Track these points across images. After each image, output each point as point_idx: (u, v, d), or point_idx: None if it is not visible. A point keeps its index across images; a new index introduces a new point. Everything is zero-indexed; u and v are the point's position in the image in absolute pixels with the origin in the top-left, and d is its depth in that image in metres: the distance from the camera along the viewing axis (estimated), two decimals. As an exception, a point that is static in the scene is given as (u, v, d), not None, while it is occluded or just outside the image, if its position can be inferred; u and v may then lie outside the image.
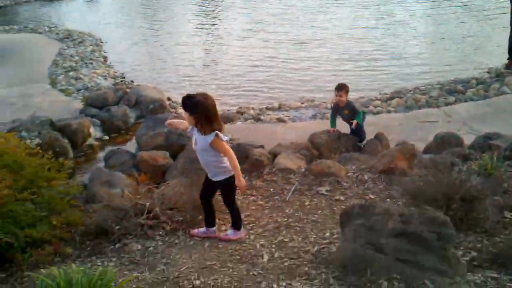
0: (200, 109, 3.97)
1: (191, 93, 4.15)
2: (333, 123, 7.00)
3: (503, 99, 8.44)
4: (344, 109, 6.84)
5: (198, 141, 4.15)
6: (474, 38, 12.89)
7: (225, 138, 4.13)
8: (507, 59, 9.91)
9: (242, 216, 4.76)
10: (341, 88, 6.76)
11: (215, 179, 4.27)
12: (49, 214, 4.62)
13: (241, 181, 4.16)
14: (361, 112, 6.84)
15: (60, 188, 4.92)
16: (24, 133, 7.51)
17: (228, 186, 4.29)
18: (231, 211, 4.46)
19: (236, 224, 4.43)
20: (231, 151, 4.15)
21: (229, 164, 4.16)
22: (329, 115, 8.13)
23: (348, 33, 14.43)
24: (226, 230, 4.55)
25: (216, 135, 4.03)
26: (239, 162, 6.08)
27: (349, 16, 16.52)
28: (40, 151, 5.07)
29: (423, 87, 9.64)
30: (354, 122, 6.76)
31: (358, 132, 6.94)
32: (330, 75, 11.04)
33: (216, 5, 20.59)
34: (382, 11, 16.66)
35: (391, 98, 9.18)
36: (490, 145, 5.79)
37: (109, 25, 18.19)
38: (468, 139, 6.49)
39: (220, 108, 9.43)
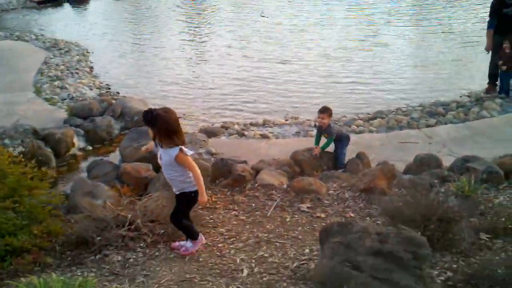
0: (160, 122, 4.02)
1: (152, 107, 4.20)
2: (316, 142, 7.09)
3: (482, 123, 8.62)
4: (324, 132, 6.96)
5: (163, 156, 4.20)
6: (456, 62, 13.14)
7: (190, 152, 4.18)
8: (487, 83, 10.15)
9: (223, 230, 4.82)
10: (324, 111, 6.87)
11: (179, 192, 4.31)
12: (30, 223, 4.61)
13: (204, 197, 4.23)
14: (332, 140, 6.90)
15: (42, 198, 4.92)
16: (7, 141, 7.48)
17: (186, 199, 4.32)
18: (180, 227, 4.42)
19: (192, 235, 4.44)
20: (196, 167, 4.20)
21: (194, 179, 4.20)
22: (312, 133, 8.29)
23: (333, 53, 14.61)
24: (207, 243, 4.59)
25: (180, 150, 4.09)
26: (222, 177, 6.20)
27: (334, 36, 16.73)
28: (23, 159, 5.08)
29: (405, 108, 9.82)
30: (317, 149, 6.90)
31: (335, 157, 7.02)
32: (314, 94, 11.17)
33: (203, 21, 20.72)
34: (367, 33, 16.90)
35: (373, 118, 9.32)
36: (468, 167, 5.92)
37: (96, 36, 18.21)
38: (447, 161, 6.63)
39: (204, 123, 9.57)
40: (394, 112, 9.63)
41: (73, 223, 4.90)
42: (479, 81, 10.83)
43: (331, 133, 6.87)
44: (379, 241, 3.57)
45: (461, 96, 10.35)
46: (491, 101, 9.48)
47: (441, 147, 7.67)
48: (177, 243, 4.55)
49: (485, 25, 10.22)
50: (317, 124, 7.28)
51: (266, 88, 11.75)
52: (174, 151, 4.08)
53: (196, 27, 19.57)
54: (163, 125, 4.02)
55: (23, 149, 7.29)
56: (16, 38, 17.33)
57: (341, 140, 7.01)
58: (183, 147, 4.11)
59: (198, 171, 4.18)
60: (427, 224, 4.15)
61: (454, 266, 3.84)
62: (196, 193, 4.24)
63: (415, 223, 4.14)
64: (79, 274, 4.06)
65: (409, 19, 18.74)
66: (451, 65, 12.91)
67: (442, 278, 3.66)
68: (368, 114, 9.67)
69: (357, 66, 13.21)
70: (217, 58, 14.69)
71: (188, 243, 4.44)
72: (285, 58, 14.28)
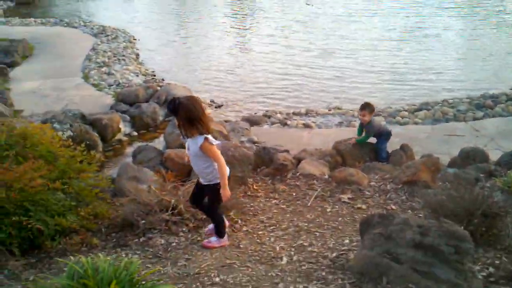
0: (182, 111, 3.95)
1: (176, 96, 4.12)
2: (359, 133, 7.06)
3: (533, 117, 8.37)
4: (365, 128, 6.90)
5: (190, 145, 4.13)
6: (505, 54, 12.75)
7: (216, 142, 4.10)
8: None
9: (264, 218, 4.87)
10: (363, 108, 6.78)
11: (206, 183, 4.24)
12: (77, 205, 4.78)
13: (226, 190, 4.11)
14: (368, 137, 6.84)
15: (90, 180, 5.09)
16: (56, 125, 7.73)
17: (213, 191, 4.21)
18: (213, 219, 4.40)
19: (219, 232, 4.38)
20: (221, 157, 4.11)
21: (218, 170, 4.11)
22: (355, 123, 8.22)
23: (379, 43, 14.40)
24: (247, 230, 4.65)
25: (206, 138, 4.00)
26: (264, 165, 6.25)
27: (379, 26, 16.46)
28: (72, 143, 5.26)
29: (452, 101, 9.60)
30: (353, 139, 6.91)
31: (376, 151, 6.93)
32: (358, 84, 11.09)
33: (247, 10, 20.75)
34: (413, 23, 16.56)
35: (419, 110, 9.17)
36: (516, 162, 5.78)
37: (142, 23, 18.54)
38: (494, 155, 6.48)
39: (247, 112, 9.63)
40: (440, 104, 9.44)
41: (119, 206, 5.05)
42: (531, 74, 10.50)
43: (370, 131, 6.81)
44: (420, 233, 3.55)
45: (511, 89, 10.03)
46: (543, 94, 9.18)
47: (488, 141, 7.48)
48: (207, 229, 4.60)
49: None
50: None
51: (309, 77, 11.71)
52: (200, 139, 4.00)
53: (240, 16, 19.62)
54: (186, 113, 3.95)
55: (72, 133, 7.53)
56: (65, 24, 17.82)
57: (381, 135, 6.91)
58: (209, 136, 4.02)
59: (223, 162, 4.10)
60: (470, 218, 4.08)
61: (497, 262, 3.76)
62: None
63: (459, 218, 4.07)
64: (123, 255, 4.19)
65: (459, 9, 18.23)
66: (501, 57, 12.55)
67: (484, 274, 3.60)
68: (414, 105, 9.51)
69: (404, 56, 13.00)
70: (260, 47, 14.72)
71: (214, 238, 4.41)
72: (329, 47, 14.18)
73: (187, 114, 3.96)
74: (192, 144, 4.09)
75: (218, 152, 4.12)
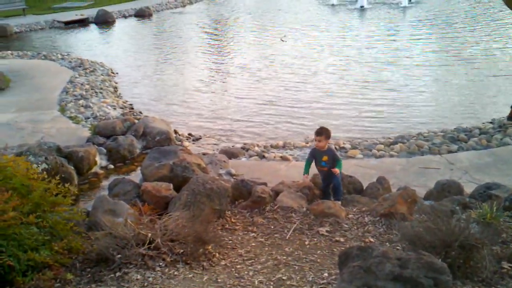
0: None
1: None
2: (307, 169, 6.63)
3: (505, 150, 8.51)
4: (323, 154, 6.38)
5: None
6: (479, 88, 13.05)
7: None
8: (511, 107, 10.03)
9: (242, 252, 4.82)
10: (321, 133, 6.30)
11: None
12: (51, 239, 4.67)
13: None
14: (341, 161, 6.41)
15: (64, 214, 4.99)
16: (31, 158, 7.61)
17: None
18: None
19: None
20: None
21: None
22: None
23: (354, 78, 14.60)
24: (225, 264, 4.59)
25: None
26: (241, 198, 6.22)
27: (355, 62, 16.72)
28: (47, 176, 5.17)
29: (426, 134, 9.75)
30: (336, 170, 6.23)
31: (336, 188, 6.42)
32: (334, 118, 11.19)
33: (226, 43, 20.97)
34: (390, 58, 16.88)
35: (395, 143, 9.28)
36: (490, 195, 5.86)
37: (121, 56, 18.60)
38: (469, 188, 6.57)
39: (225, 144, 9.64)
40: (415, 137, 9.57)
41: (94, 240, 4.94)
42: (503, 108, 10.73)
43: (334, 155, 6.38)
44: (399, 266, 3.55)
45: (483, 123, 10.25)
46: (514, 128, 9.38)
47: (463, 174, 7.60)
48: None
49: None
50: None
51: (286, 110, 11.83)
52: None
53: (219, 49, 19.80)
54: None
55: (47, 166, 7.42)
56: (43, 57, 17.78)
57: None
58: None
59: None
60: (448, 250, 4.11)
61: (475, 294, 3.79)
62: None
63: (436, 250, 4.10)
64: (98, 291, 4.09)
65: (432, 45, 18.67)
66: (474, 91, 12.81)
67: (463, 306, 3.61)
68: (389, 138, 9.64)
69: (379, 91, 13.19)
70: (239, 80, 14.85)
71: None
72: (306, 81, 14.35)
73: None
74: None
75: None
